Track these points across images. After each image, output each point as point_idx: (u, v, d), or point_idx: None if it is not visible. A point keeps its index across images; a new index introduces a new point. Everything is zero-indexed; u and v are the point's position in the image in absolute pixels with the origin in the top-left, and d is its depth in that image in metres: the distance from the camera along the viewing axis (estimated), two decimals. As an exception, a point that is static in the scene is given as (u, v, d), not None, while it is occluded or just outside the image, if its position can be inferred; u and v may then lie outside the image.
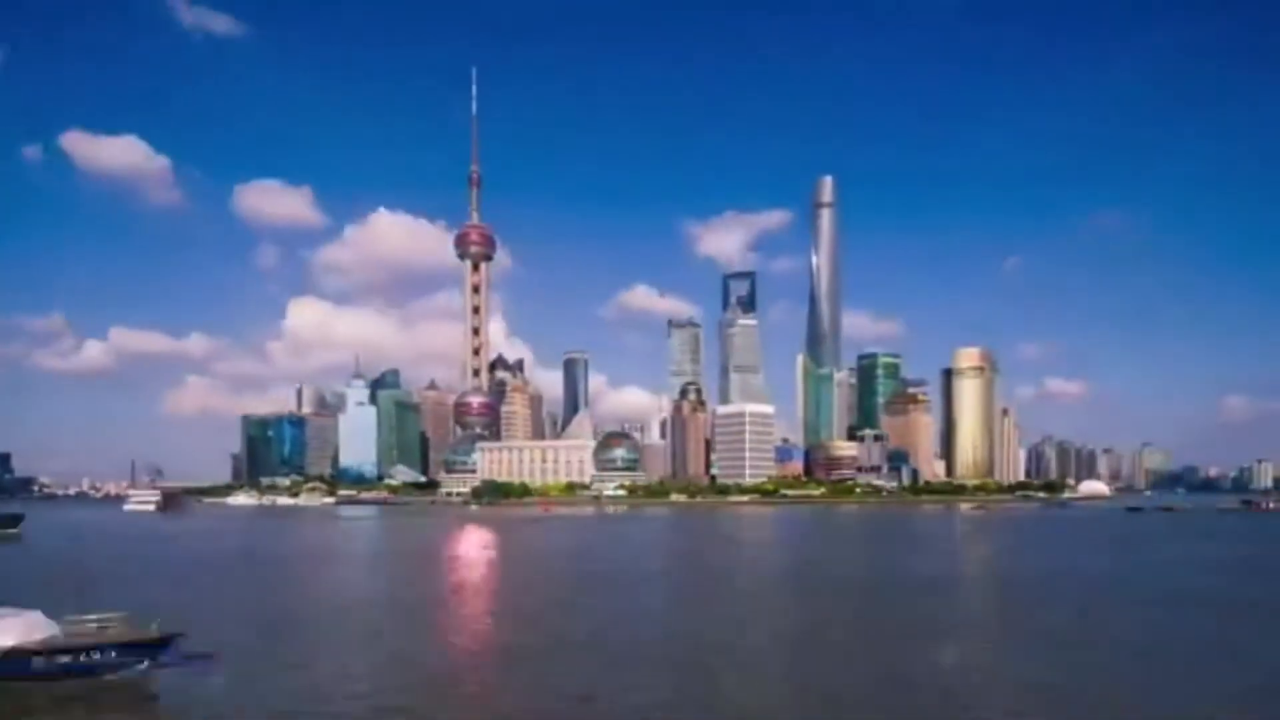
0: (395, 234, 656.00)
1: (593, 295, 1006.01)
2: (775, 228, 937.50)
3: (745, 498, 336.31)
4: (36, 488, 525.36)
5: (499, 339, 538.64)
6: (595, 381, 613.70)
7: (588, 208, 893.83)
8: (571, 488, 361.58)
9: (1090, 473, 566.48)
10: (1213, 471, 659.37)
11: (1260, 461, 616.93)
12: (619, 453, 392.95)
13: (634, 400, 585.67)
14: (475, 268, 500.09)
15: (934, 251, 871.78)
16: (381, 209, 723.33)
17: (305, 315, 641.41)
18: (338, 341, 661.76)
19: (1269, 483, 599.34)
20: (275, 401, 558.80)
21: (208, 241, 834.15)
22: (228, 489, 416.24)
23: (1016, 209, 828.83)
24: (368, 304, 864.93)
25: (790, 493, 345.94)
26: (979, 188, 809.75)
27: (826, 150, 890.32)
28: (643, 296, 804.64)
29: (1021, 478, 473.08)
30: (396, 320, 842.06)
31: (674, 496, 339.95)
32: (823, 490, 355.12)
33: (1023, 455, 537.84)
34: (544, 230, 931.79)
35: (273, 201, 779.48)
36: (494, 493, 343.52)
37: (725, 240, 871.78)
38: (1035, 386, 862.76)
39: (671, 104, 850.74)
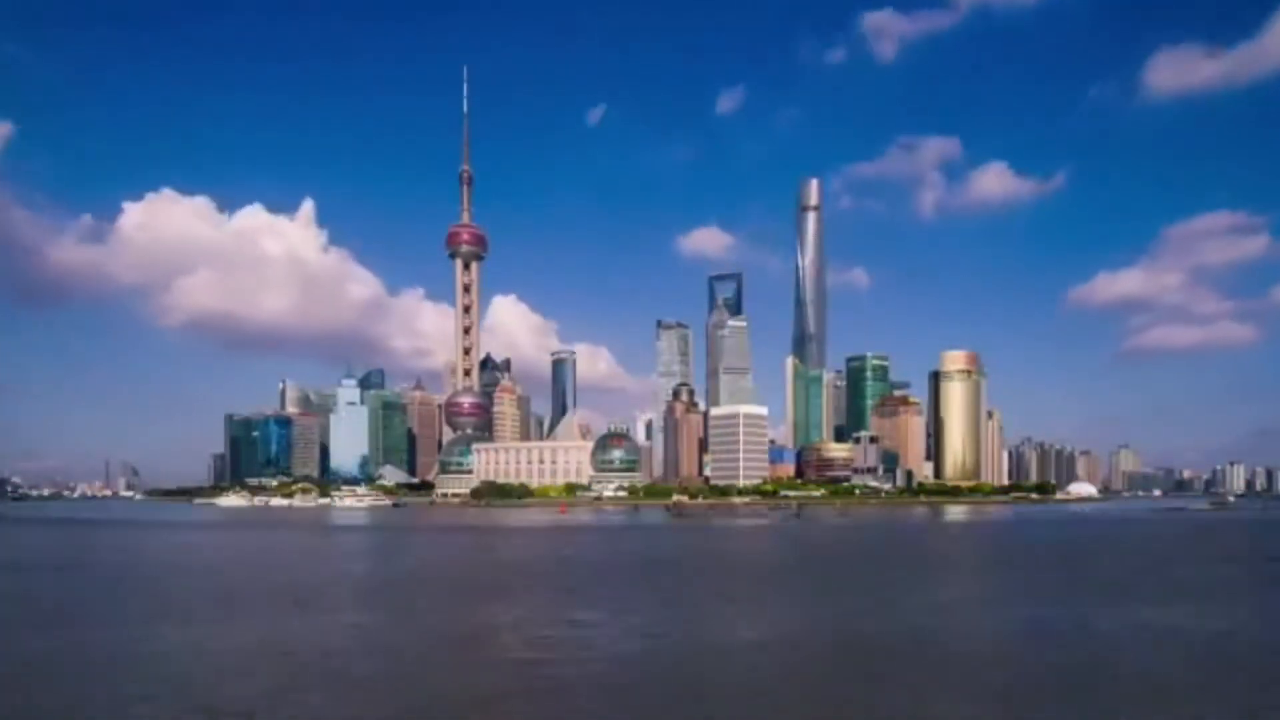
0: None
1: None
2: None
3: (747, 499, 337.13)
4: (9, 489, 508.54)
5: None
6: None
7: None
8: (571, 489, 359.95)
9: (1070, 474, 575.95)
10: (1186, 474, 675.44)
11: (1232, 464, 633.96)
12: (617, 454, 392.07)
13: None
14: (466, 267, 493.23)
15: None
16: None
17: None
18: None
19: (1240, 484, 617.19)
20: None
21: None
22: (215, 490, 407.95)
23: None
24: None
25: (791, 494, 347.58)
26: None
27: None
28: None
29: (1005, 479, 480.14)
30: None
31: (675, 498, 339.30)
32: (822, 492, 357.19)
33: (1005, 457, 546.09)
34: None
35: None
36: (494, 494, 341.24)
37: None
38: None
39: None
